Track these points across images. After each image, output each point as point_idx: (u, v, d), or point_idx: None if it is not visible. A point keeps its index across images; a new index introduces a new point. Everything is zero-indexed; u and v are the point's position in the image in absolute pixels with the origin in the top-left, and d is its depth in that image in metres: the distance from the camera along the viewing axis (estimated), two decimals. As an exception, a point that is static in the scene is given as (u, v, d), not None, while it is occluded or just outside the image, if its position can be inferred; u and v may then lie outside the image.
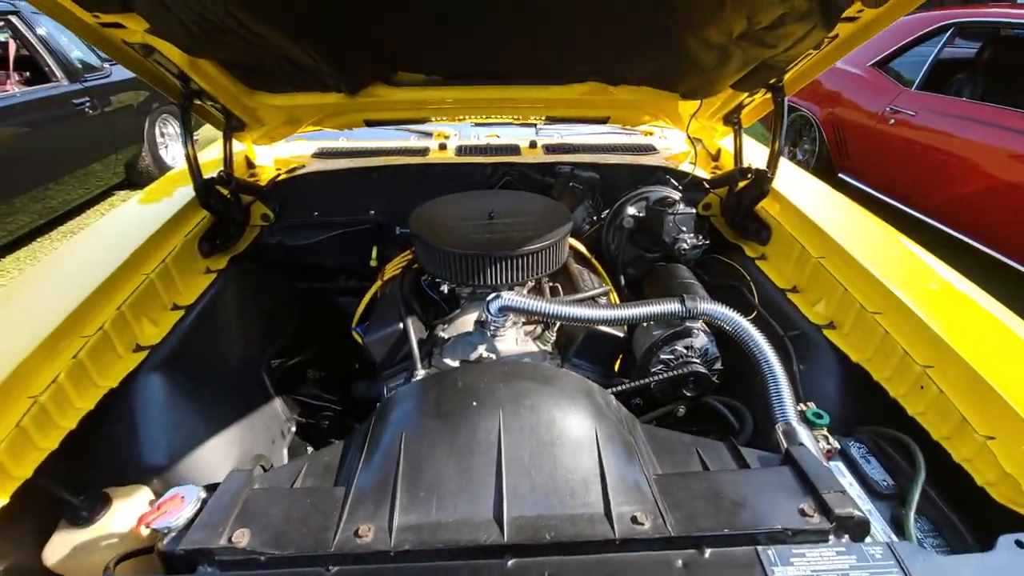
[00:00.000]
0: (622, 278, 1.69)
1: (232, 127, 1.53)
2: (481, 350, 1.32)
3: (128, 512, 1.04)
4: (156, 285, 1.27)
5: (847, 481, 0.96)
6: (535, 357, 1.32)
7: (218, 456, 1.19)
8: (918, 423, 1.00)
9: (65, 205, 4.17)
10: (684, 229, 1.53)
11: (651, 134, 2.11)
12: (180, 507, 0.77)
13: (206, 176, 1.43)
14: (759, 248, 1.58)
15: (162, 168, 4.93)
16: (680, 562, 0.72)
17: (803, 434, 0.93)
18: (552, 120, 1.83)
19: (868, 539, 0.76)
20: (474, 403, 0.87)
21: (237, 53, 1.18)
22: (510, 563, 0.71)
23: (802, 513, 0.75)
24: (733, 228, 1.69)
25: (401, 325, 1.29)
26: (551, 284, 1.54)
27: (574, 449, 0.82)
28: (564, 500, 0.76)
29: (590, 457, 0.81)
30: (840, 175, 4.49)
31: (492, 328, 1.26)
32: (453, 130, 2.06)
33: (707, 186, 1.72)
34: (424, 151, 1.86)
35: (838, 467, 0.98)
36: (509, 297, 1.17)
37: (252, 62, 1.24)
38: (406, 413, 0.89)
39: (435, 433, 0.83)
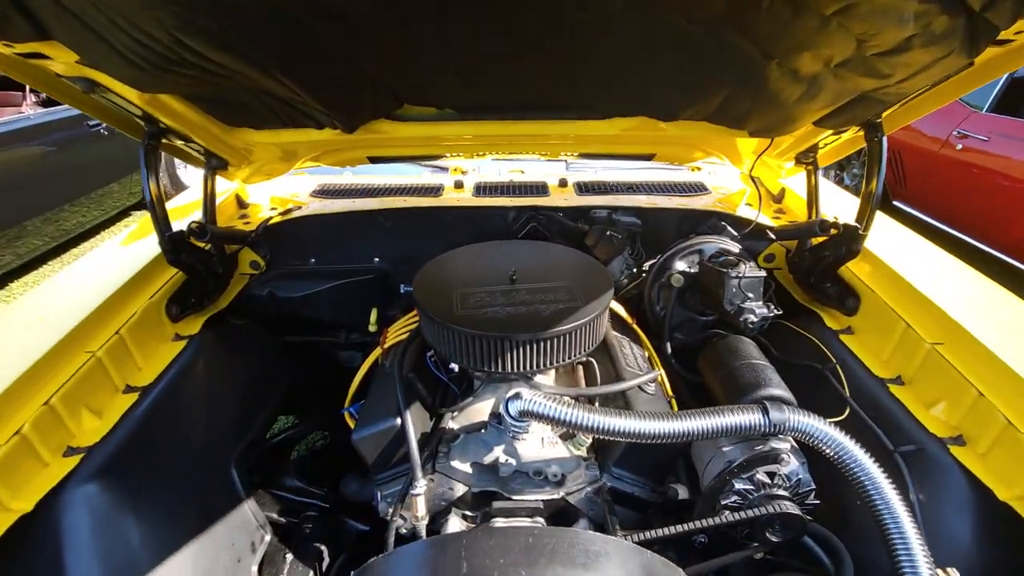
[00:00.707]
0: (668, 345, 1.41)
1: (213, 167, 1.31)
2: (498, 453, 1.05)
3: None
4: (104, 364, 1.04)
5: None
6: (565, 465, 1.04)
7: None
8: None
9: (79, 227, 4.09)
10: (751, 296, 1.24)
11: (699, 169, 1.83)
12: None
13: (183, 224, 1.21)
14: (843, 319, 1.28)
15: (178, 187, 4.84)
16: None
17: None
18: (585, 156, 1.57)
19: None
20: None
21: (201, 88, 0.96)
22: None
23: None
24: (806, 289, 1.40)
25: (398, 420, 1.03)
26: (583, 360, 1.27)
27: None
28: None
29: None
30: (895, 203, 4.11)
31: (512, 431, 1.00)
32: (472, 165, 1.82)
33: (773, 236, 1.44)
34: (438, 190, 1.62)
35: None
36: (532, 399, 0.90)
37: (225, 97, 1.02)
38: None
39: None
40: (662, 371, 1.32)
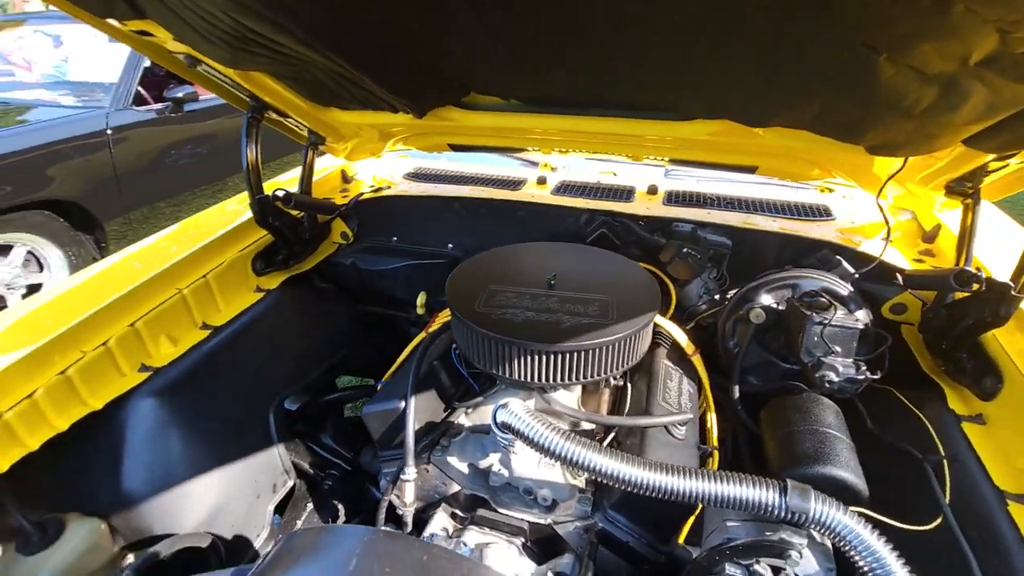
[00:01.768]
0: (737, 389, 1.20)
1: (312, 142, 1.44)
2: (493, 460, 1.00)
3: (76, 545, 0.97)
4: (188, 301, 1.22)
5: None
6: (558, 491, 0.95)
7: (191, 502, 1.08)
8: None
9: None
10: (839, 350, 1.00)
11: (829, 191, 1.54)
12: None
13: (275, 190, 1.36)
14: (976, 403, 0.98)
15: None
16: None
17: None
18: (683, 163, 1.40)
19: None
20: None
21: (280, 67, 1.05)
22: None
23: None
24: (936, 356, 1.09)
25: (403, 404, 1.04)
26: (619, 383, 1.15)
27: None
28: None
29: None
30: None
31: (500, 441, 0.94)
32: (563, 162, 1.75)
33: (901, 282, 1.14)
34: (519, 184, 1.59)
35: None
36: (515, 413, 0.84)
37: (306, 77, 1.11)
38: None
39: None
40: (712, 415, 1.14)
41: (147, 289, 1.15)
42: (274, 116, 1.33)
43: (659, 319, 1.26)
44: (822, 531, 0.67)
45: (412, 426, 1.01)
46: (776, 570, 0.71)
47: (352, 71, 1.00)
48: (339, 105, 1.27)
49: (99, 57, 3.45)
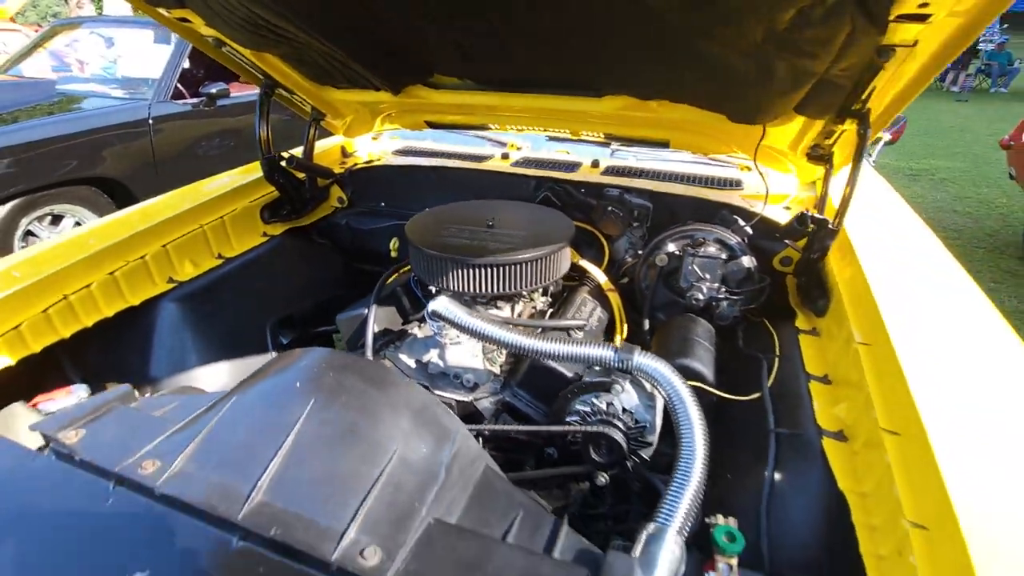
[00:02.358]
0: (647, 322, 1.47)
1: (314, 117, 1.76)
2: (432, 355, 1.28)
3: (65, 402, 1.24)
4: (207, 235, 1.53)
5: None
6: (479, 375, 1.23)
7: (199, 385, 1.38)
8: None
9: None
10: (706, 276, 1.26)
11: (748, 169, 1.79)
12: (65, 398, 0.92)
13: (282, 153, 1.68)
14: (814, 319, 1.22)
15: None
16: None
17: (669, 548, 0.69)
18: (612, 138, 1.67)
19: None
20: (297, 384, 0.85)
21: (287, 49, 1.36)
22: (237, 543, 0.68)
23: None
24: (799, 291, 1.34)
25: (366, 310, 1.33)
26: (545, 308, 1.42)
27: (359, 460, 0.75)
28: (316, 503, 0.70)
29: (369, 473, 0.74)
30: None
31: (437, 333, 1.22)
32: (526, 142, 2.04)
33: (778, 235, 1.40)
34: (487, 158, 1.88)
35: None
36: (442, 304, 1.12)
37: (306, 58, 1.42)
38: (254, 376, 0.92)
39: (250, 401, 0.85)
40: (620, 337, 1.40)
41: (177, 221, 1.47)
42: (283, 93, 1.65)
43: (585, 263, 1.53)
44: (639, 374, 0.94)
45: (372, 328, 1.29)
46: (609, 404, 0.97)
47: (339, 52, 1.31)
48: (333, 84, 1.58)
49: (145, 56, 3.88)
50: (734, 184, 1.65)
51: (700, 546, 0.76)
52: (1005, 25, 20.00)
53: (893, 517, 0.71)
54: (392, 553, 0.65)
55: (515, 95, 1.45)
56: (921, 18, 0.79)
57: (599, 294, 1.50)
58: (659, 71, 1.17)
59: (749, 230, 1.43)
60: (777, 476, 0.92)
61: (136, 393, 1.06)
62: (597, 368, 1.06)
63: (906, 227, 1.41)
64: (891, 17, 0.79)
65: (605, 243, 1.66)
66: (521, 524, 0.75)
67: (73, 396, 0.95)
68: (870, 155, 2.02)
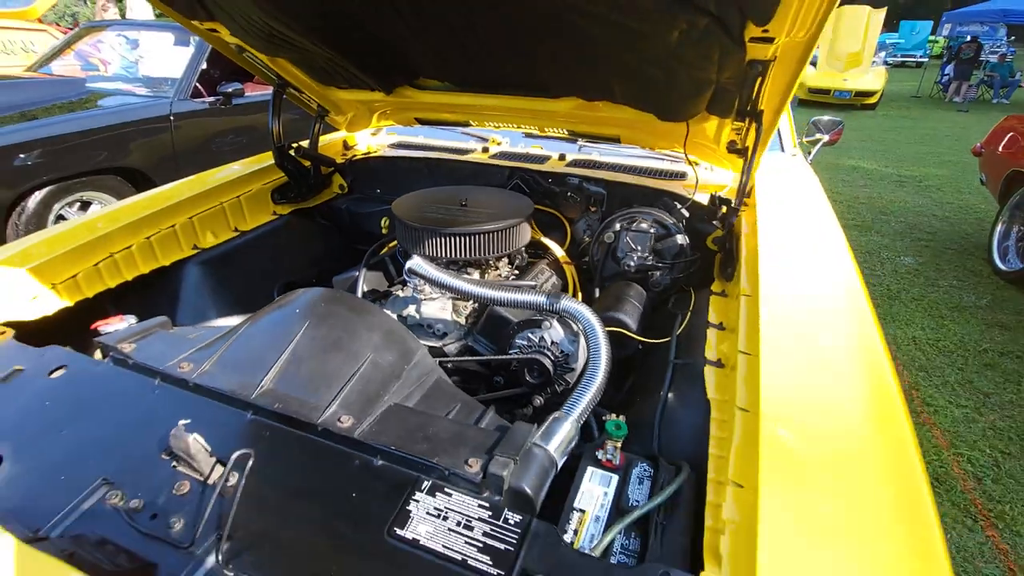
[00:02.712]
0: (597, 291, 1.72)
1: (320, 114, 2.03)
2: (411, 310, 1.54)
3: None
4: (225, 211, 1.81)
5: (604, 490, 0.94)
6: (447, 325, 1.49)
7: (219, 335, 1.65)
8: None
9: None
10: (637, 248, 1.52)
11: (696, 163, 2.05)
12: (119, 323, 1.19)
13: (290, 143, 1.95)
14: (724, 284, 1.47)
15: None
16: (356, 461, 0.87)
17: (565, 428, 0.94)
18: (575, 135, 1.93)
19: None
20: (296, 311, 1.12)
21: (296, 55, 1.63)
22: (250, 416, 0.95)
23: (465, 463, 0.83)
24: (719, 262, 1.59)
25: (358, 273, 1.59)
26: (510, 275, 1.68)
27: (342, 362, 1.02)
28: (307, 389, 0.97)
29: (347, 371, 1.00)
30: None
31: (416, 291, 1.48)
32: (504, 138, 2.30)
33: (705, 216, 1.65)
34: (469, 152, 2.15)
35: (607, 477, 0.96)
36: (416, 262, 1.38)
37: (312, 63, 1.69)
38: (264, 308, 1.19)
39: (261, 323, 1.12)
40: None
41: (202, 198, 1.74)
42: (293, 92, 1.92)
43: (546, 240, 1.79)
44: (565, 315, 1.19)
45: (362, 285, 1.56)
46: (540, 339, 1.23)
47: (338, 58, 1.58)
48: (336, 85, 1.85)
49: (166, 58, 4.19)
50: (678, 176, 1.91)
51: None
52: (1012, 37, 20.12)
53: (731, 408, 0.96)
54: (361, 421, 0.91)
55: (486, 96, 1.71)
56: (768, 40, 1.04)
57: (557, 266, 1.75)
58: (595, 76, 1.43)
59: (685, 213, 1.68)
60: (671, 395, 1.17)
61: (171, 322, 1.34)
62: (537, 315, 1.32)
63: (814, 215, 1.65)
64: (747, 39, 1.05)
65: (567, 225, 1.92)
66: (459, 410, 1.01)
67: (125, 322, 1.21)
68: (809, 153, 2.26)
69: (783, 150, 2.05)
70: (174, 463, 0.86)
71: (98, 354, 1.18)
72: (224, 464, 0.83)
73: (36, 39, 6.70)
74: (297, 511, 0.79)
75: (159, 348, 1.09)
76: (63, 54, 4.71)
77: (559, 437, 0.92)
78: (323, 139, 2.17)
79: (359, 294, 1.55)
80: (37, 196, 3.21)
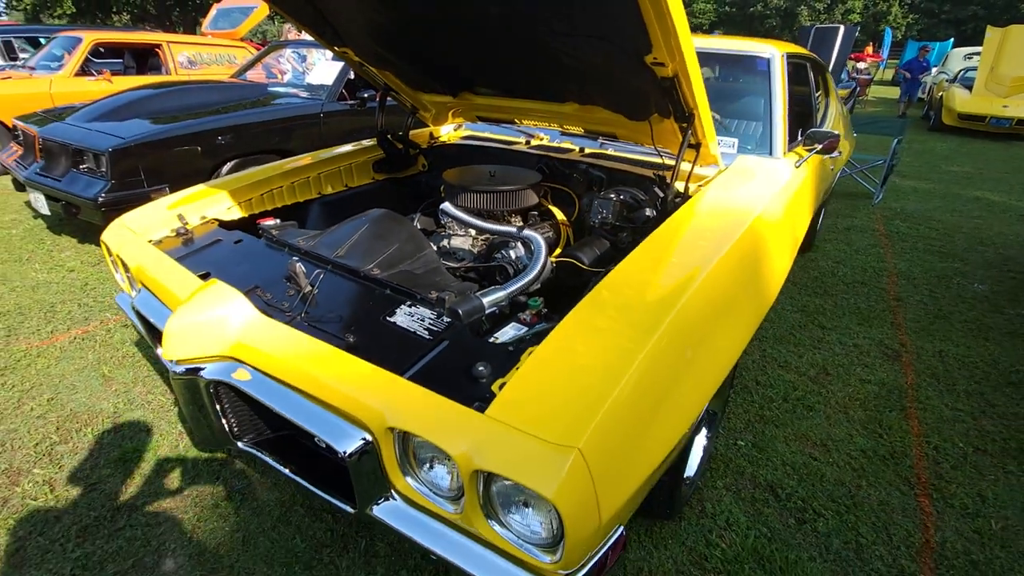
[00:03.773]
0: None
1: (411, 111, 2.84)
2: (445, 242, 2.25)
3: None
4: (341, 172, 2.67)
5: (516, 331, 1.54)
6: (465, 253, 2.17)
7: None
8: None
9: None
10: (602, 211, 2.09)
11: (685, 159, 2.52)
12: (270, 221, 2.05)
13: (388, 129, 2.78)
14: None
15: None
16: (376, 290, 1.59)
17: (499, 294, 1.58)
18: (591, 133, 2.51)
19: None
20: (364, 218, 1.88)
21: (396, 69, 2.43)
22: (328, 268, 1.72)
23: (430, 294, 1.51)
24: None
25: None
26: (529, 225, 2.31)
27: (382, 246, 1.76)
28: (359, 257, 1.72)
29: (383, 250, 1.74)
30: None
31: (448, 229, 2.20)
32: (546, 135, 2.93)
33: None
34: (514, 143, 2.83)
35: (520, 328, 1.56)
36: (446, 205, 2.09)
37: (406, 75, 2.48)
38: (354, 216, 1.97)
39: (346, 223, 1.90)
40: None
41: (327, 162, 2.62)
42: (394, 95, 2.74)
43: (551, 206, 2.42)
44: (528, 240, 1.81)
45: (417, 219, 2.31)
46: (506, 254, 1.87)
47: (420, 72, 2.35)
48: (421, 90, 2.64)
49: (324, 69, 5.41)
50: (669, 167, 2.41)
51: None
52: None
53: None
54: (384, 272, 1.63)
55: (516, 100, 2.38)
56: (661, 64, 1.59)
57: (557, 226, 2.36)
58: (580, 86, 2.03)
59: (659, 192, 2.21)
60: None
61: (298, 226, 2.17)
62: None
63: (739, 203, 2.05)
64: (649, 63, 1.60)
65: (576, 199, 2.51)
66: (446, 276, 1.68)
67: (273, 221, 2.07)
68: (799, 160, 2.59)
69: (772, 154, 2.45)
70: (287, 280, 1.64)
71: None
72: (312, 284, 1.59)
73: (237, 53, 8.61)
74: (344, 306, 1.53)
75: (290, 234, 1.92)
76: (255, 66, 6.20)
77: (490, 296, 1.56)
78: (416, 131, 2.99)
79: (415, 228, 2.30)
80: (228, 165, 4.46)
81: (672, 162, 2.21)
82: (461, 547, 1.16)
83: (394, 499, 1.25)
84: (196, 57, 7.77)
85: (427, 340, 1.36)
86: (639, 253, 1.58)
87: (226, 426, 1.48)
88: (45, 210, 4.07)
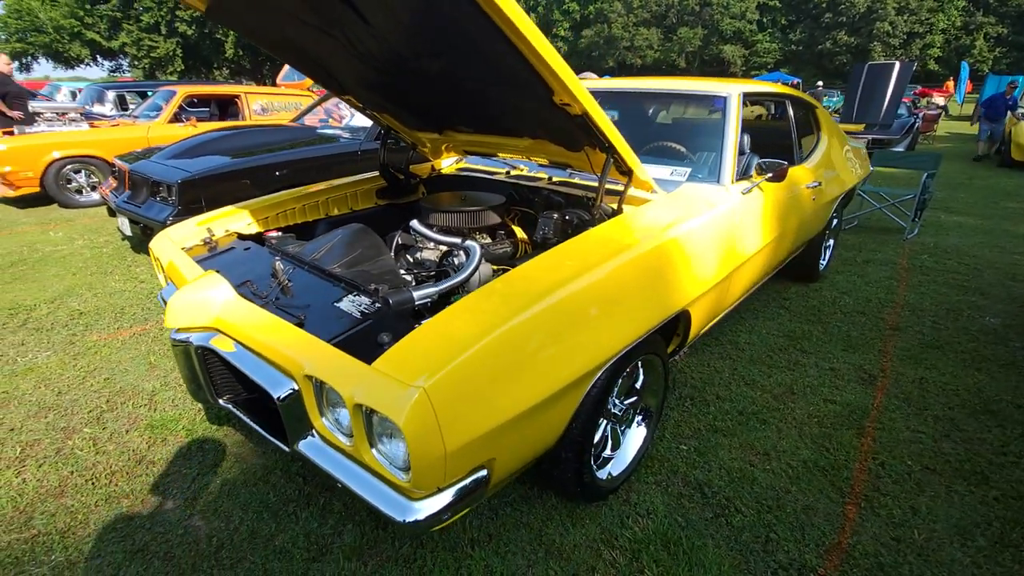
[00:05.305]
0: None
1: (412, 146, 3.31)
2: (418, 255, 2.64)
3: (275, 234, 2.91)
4: (347, 197, 3.15)
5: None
6: (431, 263, 2.54)
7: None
8: None
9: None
10: (544, 228, 2.40)
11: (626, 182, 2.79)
12: (275, 233, 2.53)
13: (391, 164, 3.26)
14: None
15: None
16: (335, 284, 1.99)
17: (431, 290, 1.93)
18: (554, 164, 2.85)
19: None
20: (341, 231, 2.31)
21: (391, 112, 2.91)
22: (305, 267, 2.15)
23: (371, 286, 1.89)
24: None
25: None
26: (494, 242, 2.67)
27: (347, 251, 2.17)
28: (328, 258, 2.14)
29: (349, 254, 2.15)
30: None
31: (419, 243, 2.59)
32: (526, 166, 3.30)
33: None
34: (496, 173, 3.22)
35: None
36: (413, 223, 2.48)
37: (400, 117, 2.95)
38: (336, 230, 2.40)
39: (327, 235, 2.33)
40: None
41: (335, 188, 3.11)
42: (394, 133, 3.23)
43: (514, 226, 2.76)
44: (467, 249, 2.17)
45: (396, 239, 2.72)
46: (453, 259, 2.22)
47: (408, 115, 2.81)
48: (415, 129, 3.10)
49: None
50: (614, 192, 2.71)
51: None
52: None
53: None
54: (344, 271, 2.04)
55: (488, 136, 2.77)
56: (567, 104, 1.92)
57: (515, 242, 2.70)
58: (523, 123, 2.39)
59: (606, 209, 2.50)
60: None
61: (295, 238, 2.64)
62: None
63: (658, 222, 2.31)
64: (559, 104, 1.94)
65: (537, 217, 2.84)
66: (397, 276, 2.06)
67: (278, 234, 2.55)
68: (753, 187, 2.78)
69: (719, 182, 2.70)
70: (272, 276, 2.07)
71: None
72: (289, 279, 2.02)
73: (304, 101, 9.73)
74: (307, 295, 1.93)
75: (287, 243, 2.38)
76: (318, 111, 7.08)
77: (422, 290, 1.92)
78: (421, 165, 3.47)
79: (393, 243, 2.71)
80: (277, 197, 5.15)
81: (618, 187, 2.52)
82: (355, 474, 1.48)
83: (314, 436, 1.60)
84: (268, 105, 8.90)
85: (357, 319, 1.72)
86: (546, 255, 1.88)
87: (211, 384, 1.90)
88: (128, 231, 4.88)
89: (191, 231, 2.64)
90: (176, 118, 8.11)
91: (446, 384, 1.34)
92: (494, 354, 1.45)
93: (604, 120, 2.00)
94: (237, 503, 2.17)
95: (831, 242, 4.86)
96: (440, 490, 1.40)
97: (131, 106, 10.45)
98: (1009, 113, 12.22)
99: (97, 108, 10.09)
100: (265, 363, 1.64)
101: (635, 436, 2.36)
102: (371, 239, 2.28)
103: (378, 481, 1.45)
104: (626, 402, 2.27)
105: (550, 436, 1.76)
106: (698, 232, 2.30)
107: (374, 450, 1.44)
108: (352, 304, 1.82)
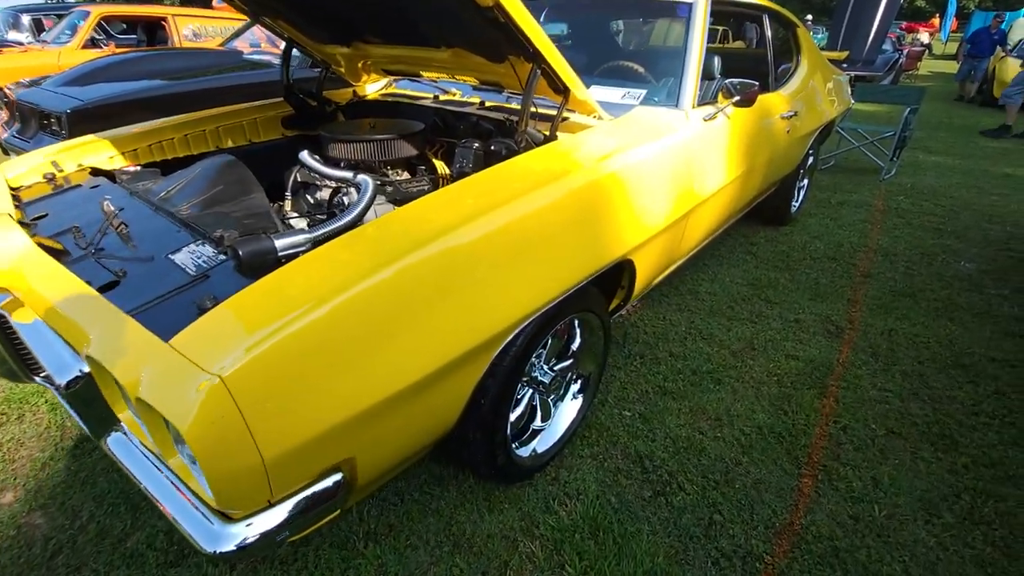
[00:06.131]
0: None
1: (325, 65, 2.77)
2: (317, 194, 2.19)
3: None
4: (244, 127, 2.64)
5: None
6: (324, 202, 2.11)
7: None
8: None
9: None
10: (462, 160, 1.97)
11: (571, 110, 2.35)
12: (135, 168, 2.05)
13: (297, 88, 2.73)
14: None
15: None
16: (179, 228, 1.55)
17: (296, 237, 1.52)
18: (485, 84, 2.37)
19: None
20: (204, 163, 1.84)
21: (289, 20, 2.36)
22: (155, 209, 1.69)
23: (216, 233, 1.46)
24: None
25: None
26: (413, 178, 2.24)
27: (207, 188, 1.71)
28: (179, 198, 1.68)
29: (208, 190, 1.69)
30: None
31: (316, 180, 2.14)
32: (459, 90, 2.81)
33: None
34: (422, 98, 2.73)
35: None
36: (303, 155, 2.02)
37: (302, 27, 2.41)
38: (201, 162, 1.94)
39: (187, 169, 1.87)
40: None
41: (230, 115, 2.59)
42: (298, 47, 2.68)
43: (437, 161, 2.31)
44: (358, 183, 1.74)
45: (294, 176, 2.26)
46: (343, 195, 1.80)
47: (311, 24, 2.28)
48: (321, 42, 2.57)
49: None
50: (546, 118, 2.26)
51: None
52: None
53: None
54: (194, 213, 1.59)
55: (402, 48, 2.27)
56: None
57: (435, 179, 2.27)
58: (441, 29, 1.91)
59: (536, 136, 2.07)
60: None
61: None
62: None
63: (599, 151, 1.89)
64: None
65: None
66: (267, 220, 1.63)
67: (137, 168, 2.07)
68: (720, 113, 2.36)
69: (678, 106, 2.27)
70: (103, 214, 1.62)
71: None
72: (124, 223, 1.57)
73: (232, 25, 8.74)
74: (139, 243, 1.49)
75: (142, 177, 1.90)
76: (245, 34, 6.27)
77: (288, 238, 1.49)
78: (342, 91, 2.94)
79: (290, 181, 2.25)
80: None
81: (552, 111, 2.08)
82: (163, 486, 1.12)
83: (121, 431, 1.23)
84: (201, 30, 7.91)
85: (189, 276, 1.31)
86: (444, 190, 1.47)
87: (17, 356, 1.49)
88: (19, 171, 4.25)
89: (35, 163, 2.13)
90: (93, 43, 7.17)
91: (261, 369, 0.96)
92: (344, 323, 1.07)
93: (525, 18, 1.54)
94: (91, 494, 1.81)
95: (805, 182, 4.51)
96: (272, 504, 1.06)
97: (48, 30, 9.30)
98: (998, 48, 11.73)
99: (13, 35, 8.91)
100: (56, 338, 1.23)
101: (569, 407, 2.05)
102: (239, 172, 1.82)
103: (191, 495, 1.09)
104: (557, 367, 1.94)
105: (446, 417, 1.42)
106: (646, 164, 1.90)
107: (182, 455, 1.07)
108: (190, 256, 1.40)
